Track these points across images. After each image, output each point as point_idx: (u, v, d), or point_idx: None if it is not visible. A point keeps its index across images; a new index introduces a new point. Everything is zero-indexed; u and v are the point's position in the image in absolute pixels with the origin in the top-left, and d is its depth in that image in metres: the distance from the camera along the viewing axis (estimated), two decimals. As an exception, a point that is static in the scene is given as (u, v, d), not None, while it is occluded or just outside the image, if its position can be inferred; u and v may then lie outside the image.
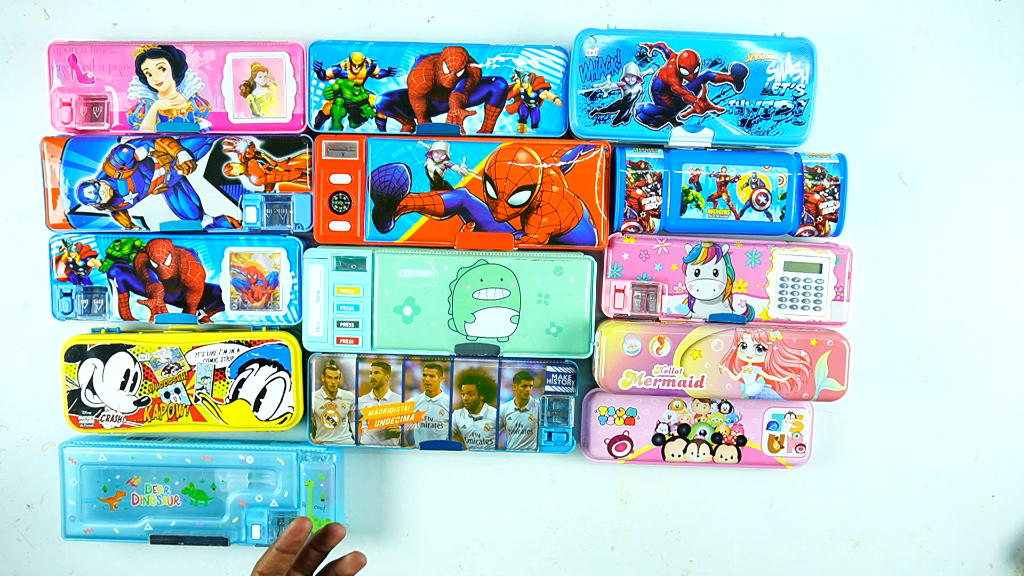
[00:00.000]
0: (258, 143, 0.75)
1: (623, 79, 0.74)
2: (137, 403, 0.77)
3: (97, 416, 0.77)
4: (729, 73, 0.75)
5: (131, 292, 0.76)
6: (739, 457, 0.80)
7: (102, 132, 0.75)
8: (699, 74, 0.74)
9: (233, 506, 0.77)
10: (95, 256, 0.76)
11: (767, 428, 0.79)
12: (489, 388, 0.78)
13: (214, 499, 0.76)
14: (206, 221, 0.76)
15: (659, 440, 0.79)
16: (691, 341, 0.76)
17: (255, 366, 0.77)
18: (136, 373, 0.76)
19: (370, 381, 0.77)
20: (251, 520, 0.76)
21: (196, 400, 0.77)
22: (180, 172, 0.75)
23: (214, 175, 0.75)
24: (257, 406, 0.77)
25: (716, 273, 0.77)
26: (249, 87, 0.75)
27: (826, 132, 0.79)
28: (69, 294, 0.76)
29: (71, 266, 0.76)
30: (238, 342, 0.76)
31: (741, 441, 0.79)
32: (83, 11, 0.78)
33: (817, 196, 0.76)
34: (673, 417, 0.79)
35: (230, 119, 0.75)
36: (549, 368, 0.78)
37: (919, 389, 0.83)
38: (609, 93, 0.74)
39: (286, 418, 0.77)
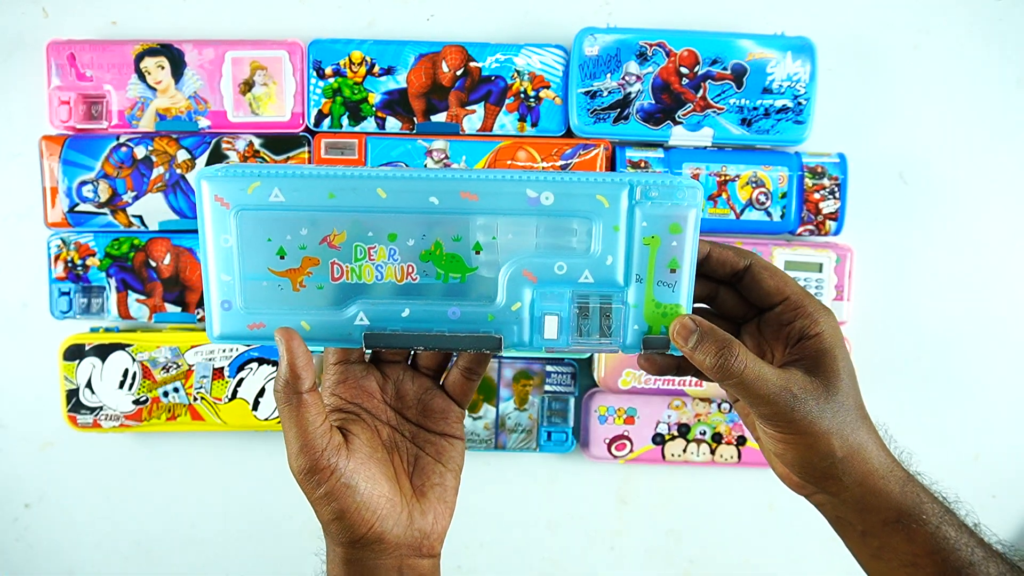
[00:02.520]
0: (257, 142, 0.75)
1: (623, 78, 0.74)
2: (136, 402, 0.77)
3: (96, 415, 0.77)
4: (729, 72, 0.74)
5: (130, 291, 0.76)
6: (739, 457, 0.79)
7: (101, 131, 0.75)
8: (699, 73, 0.74)
9: (513, 282, 0.42)
10: (94, 255, 0.76)
11: (767, 428, 0.79)
12: (488, 387, 0.78)
13: (476, 269, 0.42)
14: (205, 220, 0.76)
15: (659, 440, 0.79)
16: (691, 340, 0.76)
17: (254, 365, 0.76)
18: (135, 372, 0.76)
19: (370, 380, 0.76)
20: (543, 306, 0.42)
21: (195, 399, 0.77)
22: (179, 171, 0.75)
23: (213, 174, 0.75)
24: (256, 405, 0.77)
25: (716, 272, 0.76)
26: (248, 86, 0.75)
27: (826, 131, 0.79)
28: (67, 293, 0.76)
29: (69, 265, 0.76)
30: (237, 341, 0.76)
31: (741, 441, 0.79)
32: (82, 9, 0.78)
33: (817, 195, 0.76)
34: (673, 417, 0.79)
35: (229, 118, 0.75)
36: (549, 367, 0.78)
37: (919, 389, 0.83)
38: (609, 92, 0.74)
39: (285, 417, 0.77)
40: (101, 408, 0.77)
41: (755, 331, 0.45)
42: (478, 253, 0.41)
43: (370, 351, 0.43)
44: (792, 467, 0.44)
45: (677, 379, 0.76)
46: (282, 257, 0.41)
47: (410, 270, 0.42)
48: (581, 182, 0.41)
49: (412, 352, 0.46)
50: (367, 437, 0.42)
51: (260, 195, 0.40)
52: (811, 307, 0.42)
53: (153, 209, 0.75)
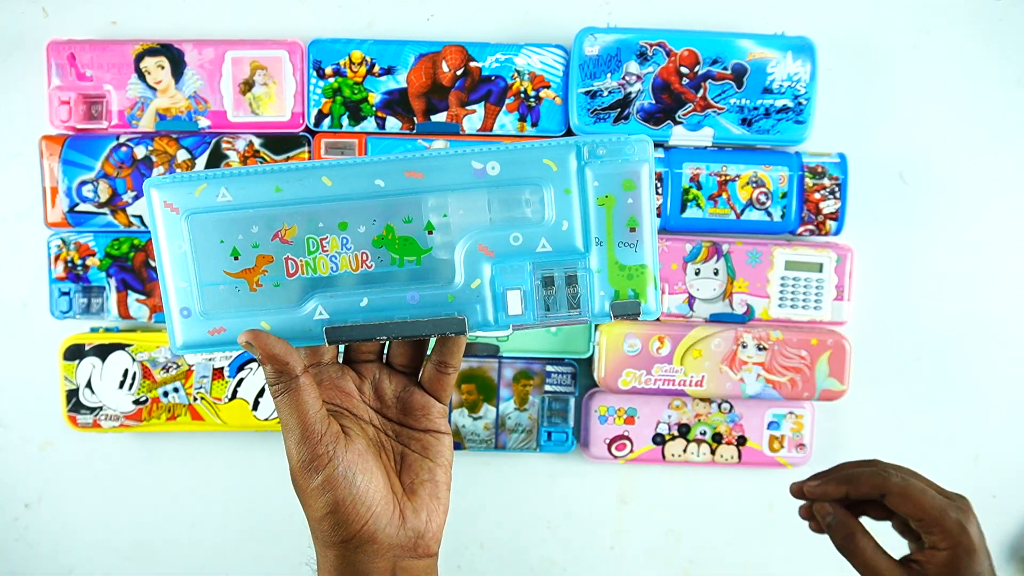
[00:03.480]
0: (257, 142, 0.75)
1: (623, 78, 0.74)
2: (136, 402, 0.77)
3: (95, 415, 0.77)
4: (730, 72, 0.74)
5: (130, 291, 0.76)
6: (739, 457, 0.79)
7: (101, 131, 0.75)
8: (699, 73, 0.74)
9: (470, 259, 0.41)
10: (93, 255, 0.76)
11: (767, 428, 0.79)
12: (488, 388, 0.78)
13: (431, 250, 0.40)
14: (205, 220, 0.76)
15: (659, 440, 0.79)
16: (691, 340, 0.76)
17: (254, 365, 0.76)
18: (135, 372, 0.76)
19: (369, 380, 0.76)
20: (503, 282, 0.40)
21: (195, 399, 0.77)
22: (179, 171, 0.75)
23: (213, 174, 0.75)
24: (256, 405, 0.77)
25: (716, 272, 0.76)
26: (248, 85, 0.75)
27: (827, 131, 0.78)
28: (67, 293, 0.76)
29: (69, 265, 0.76)
30: (237, 341, 0.76)
31: (741, 441, 0.79)
32: (82, 9, 0.78)
33: (818, 195, 0.76)
34: (673, 417, 0.79)
35: (229, 117, 0.75)
36: (549, 367, 0.78)
37: (920, 389, 0.83)
38: (609, 92, 0.74)
39: (285, 417, 0.77)
40: (101, 408, 0.77)
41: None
42: (431, 233, 0.40)
43: (341, 349, 0.43)
44: None
45: (677, 379, 0.76)
46: (236, 258, 0.40)
47: (364, 258, 0.40)
48: (526, 148, 0.39)
49: (385, 349, 0.45)
50: (359, 431, 0.41)
51: (208, 197, 0.40)
52: (946, 524, 0.49)
53: (153, 209, 0.75)
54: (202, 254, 0.40)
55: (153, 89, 0.75)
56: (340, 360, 0.44)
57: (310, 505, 0.39)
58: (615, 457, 0.79)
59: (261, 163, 0.75)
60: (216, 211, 0.40)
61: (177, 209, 0.40)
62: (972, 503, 0.52)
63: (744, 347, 0.76)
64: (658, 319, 0.76)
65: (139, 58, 0.74)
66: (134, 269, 0.76)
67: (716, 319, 0.77)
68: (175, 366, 0.76)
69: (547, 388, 0.78)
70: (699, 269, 0.76)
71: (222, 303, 0.41)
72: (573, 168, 0.39)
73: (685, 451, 0.79)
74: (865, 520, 0.55)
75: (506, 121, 0.75)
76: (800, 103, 0.75)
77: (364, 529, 0.39)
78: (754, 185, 0.76)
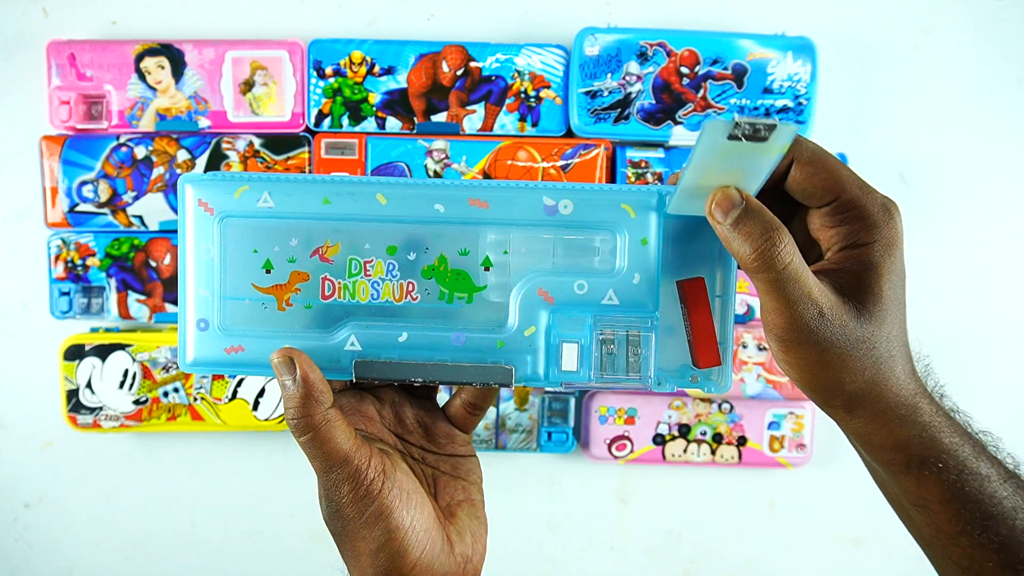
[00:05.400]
0: (257, 142, 0.75)
1: (623, 78, 0.74)
2: (136, 402, 0.77)
3: (96, 415, 0.77)
4: (730, 72, 0.74)
5: (130, 291, 0.76)
6: (739, 457, 0.79)
7: (101, 131, 0.75)
8: (700, 73, 0.74)
9: (527, 303, 0.37)
10: (94, 255, 0.76)
11: (768, 428, 0.79)
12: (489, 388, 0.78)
13: (485, 288, 0.37)
14: (205, 220, 0.76)
15: (659, 440, 0.79)
16: (691, 341, 0.76)
17: (254, 365, 0.76)
18: (135, 372, 0.76)
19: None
20: (561, 330, 0.37)
21: (195, 399, 0.77)
22: (179, 171, 0.75)
23: (213, 174, 0.75)
24: (256, 405, 0.77)
25: (716, 272, 0.76)
26: (248, 85, 0.75)
27: (827, 131, 0.78)
28: (68, 293, 0.76)
29: (70, 265, 0.76)
30: (237, 341, 0.76)
31: (741, 441, 0.79)
32: (82, 9, 0.77)
33: (818, 195, 0.76)
34: (673, 417, 0.79)
35: (229, 118, 0.75)
36: (549, 368, 0.78)
37: (920, 389, 0.83)
38: (609, 92, 0.74)
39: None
40: (101, 408, 0.77)
41: (796, 229, 0.38)
42: (487, 270, 0.36)
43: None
44: (797, 384, 0.37)
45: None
46: (268, 271, 0.37)
47: (410, 288, 0.36)
48: (605, 191, 0.36)
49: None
50: (396, 454, 0.37)
51: (248, 200, 0.36)
52: (869, 208, 0.35)
53: (153, 209, 0.75)
54: (231, 262, 0.37)
55: (153, 89, 0.75)
56: (353, 382, 0.41)
57: (363, 538, 0.35)
58: (615, 457, 0.79)
59: (261, 163, 0.75)
60: (255, 216, 0.36)
61: (212, 209, 0.37)
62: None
63: (744, 347, 0.76)
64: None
65: (139, 58, 0.74)
66: (134, 269, 0.76)
67: (716, 319, 0.77)
68: (175, 366, 0.76)
69: (547, 388, 0.78)
70: (699, 269, 0.76)
71: (245, 319, 0.37)
72: (653, 219, 0.36)
73: (685, 451, 0.79)
74: None
75: (506, 121, 0.75)
76: (800, 103, 0.75)
77: (422, 557, 0.35)
78: (754, 185, 0.76)
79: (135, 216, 0.75)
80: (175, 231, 0.76)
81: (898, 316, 0.35)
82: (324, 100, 0.74)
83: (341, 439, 0.34)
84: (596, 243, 0.36)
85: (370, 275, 0.37)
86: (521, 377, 0.37)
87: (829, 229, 0.36)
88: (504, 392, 0.77)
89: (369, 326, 0.37)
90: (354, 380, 0.37)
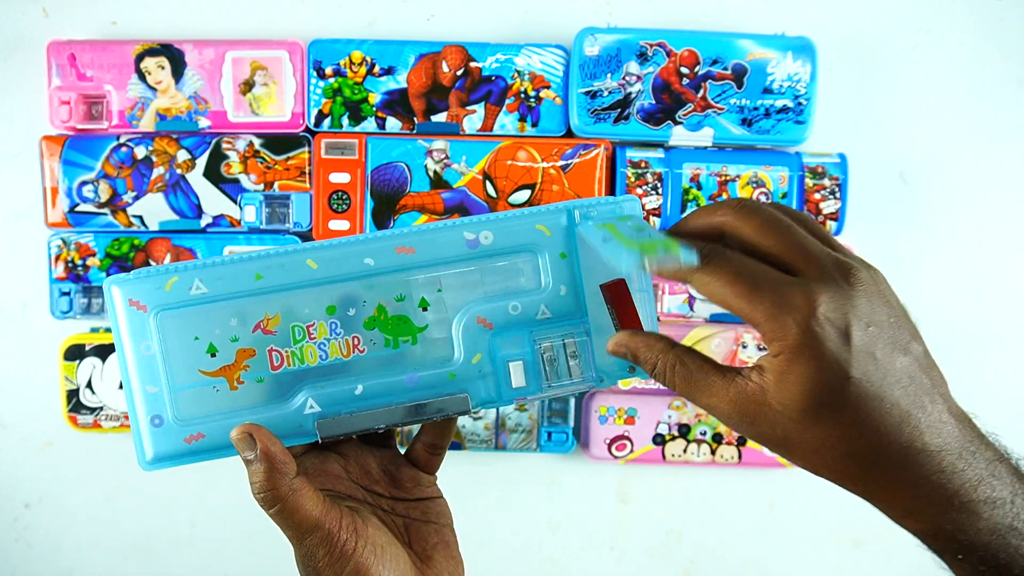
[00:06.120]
0: (257, 142, 0.75)
1: (623, 78, 0.74)
2: (136, 402, 0.77)
3: (96, 415, 0.77)
4: (730, 72, 0.74)
5: (130, 291, 0.76)
6: (740, 457, 0.79)
7: (101, 131, 0.75)
8: (699, 73, 0.74)
9: (469, 333, 0.39)
10: (94, 255, 0.76)
11: (767, 428, 0.79)
12: (489, 388, 0.78)
13: (426, 328, 0.39)
14: (205, 220, 0.76)
15: (659, 440, 0.79)
16: (691, 341, 0.76)
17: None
18: (135, 372, 0.76)
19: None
20: (505, 352, 0.39)
21: (195, 399, 0.77)
22: (179, 171, 0.75)
23: (213, 174, 0.75)
24: (256, 406, 0.77)
25: (716, 272, 0.76)
26: (248, 86, 0.75)
27: (827, 131, 0.78)
28: (68, 293, 0.76)
29: (70, 265, 0.76)
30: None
31: (742, 441, 0.79)
32: (82, 10, 0.78)
33: (818, 195, 0.76)
34: (673, 417, 0.79)
35: (229, 118, 0.75)
36: (549, 368, 0.78)
37: (920, 389, 0.83)
38: (609, 92, 0.74)
39: (285, 418, 0.77)
40: (101, 408, 0.77)
41: None
42: (425, 310, 0.38)
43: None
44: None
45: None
46: (213, 355, 0.37)
47: (356, 342, 0.37)
48: (519, 216, 0.38)
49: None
50: (365, 509, 0.38)
51: (179, 290, 0.36)
52: (759, 321, 0.32)
53: (153, 209, 0.75)
54: (174, 354, 0.37)
55: (153, 89, 0.75)
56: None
57: None
58: (615, 457, 0.79)
59: (261, 163, 0.75)
60: (190, 305, 0.36)
61: (144, 307, 0.36)
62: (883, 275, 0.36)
63: (744, 347, 0.76)
64: (658, 319, 0.77)
65: (139, 58, 0.74)
66: (134, 269, 0.76)
67: (716, 319, 0.77)
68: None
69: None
70: (699, 269, 0.76)
71: (199, 406, 0.37)
72: (565, 233, 0.38)
73: (685, 451, 0.79)
74: None
75: (506, 121, 0.75)
76: (800, 103, 0.75)
77: None
78: (754, 185, 0.76)
79: (135, 216, 0.75)
80: (175, 231, 0.76)
81: (853, 410, 0.31)
82: (324, 100, 0.74)
83: (309, 506, 0.35)
84: (519, 264, 0.38)
85: (315, 337, 0.37)
86: (477, 403, 0.38)
87: None
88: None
89: (324, 386, 0.38)
90: (320, 440, 0.37)
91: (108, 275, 0.75)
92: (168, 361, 0.37)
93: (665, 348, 0.35)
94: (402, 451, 0.43)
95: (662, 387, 0.77)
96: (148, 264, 0.76)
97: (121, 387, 0.76)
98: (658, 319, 0.77)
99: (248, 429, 0.35)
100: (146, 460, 0.37)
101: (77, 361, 0.76)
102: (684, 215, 0.36)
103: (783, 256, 0.32)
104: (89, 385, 0.76)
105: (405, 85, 0.75)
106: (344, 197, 0.75)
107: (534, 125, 0.75)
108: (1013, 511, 0.31)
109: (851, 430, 0.31)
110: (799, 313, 0.31)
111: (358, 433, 0.38)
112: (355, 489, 0.40)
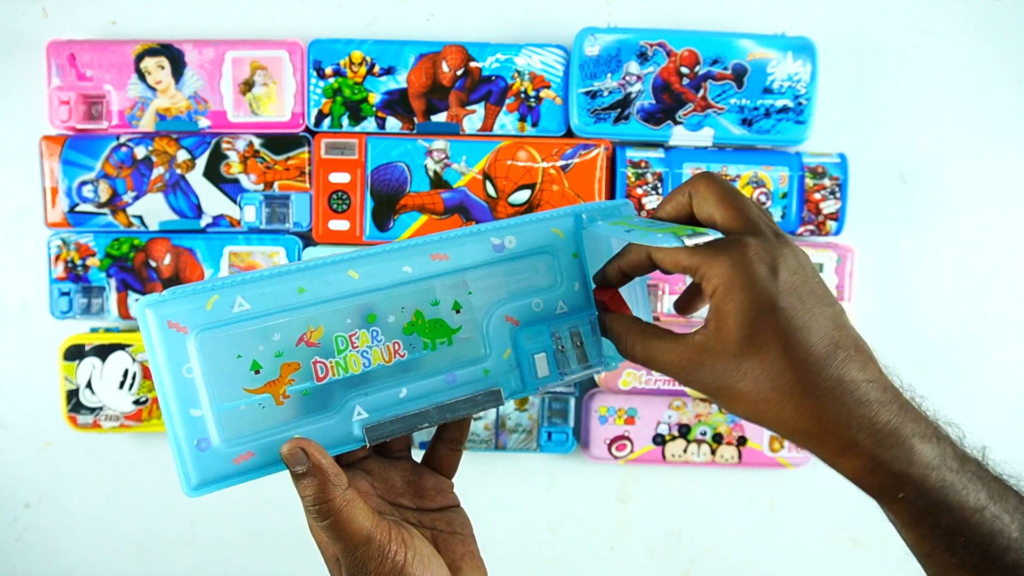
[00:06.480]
0: (257, 142, 0.75)
1: (623, 78, 0.74)
2: (136, 402, 0.77)
3: (96, 415, 0.77)
4: (730, 72, 0.74)
5: (130, 291, 0.76)
6: (739, 457, 0.79)
7: (101, 131, 0.75)
8: (700, 73, 0.74)
9: (498, 331, 0.41)
10: (94, 255, 0.76)
11: (767, 428, 0.79)
12: (489, 388, 0.78)
13: (460, 329, 0.41)
14: (205, 220, 0.76)
15: (659, 440, 0.79)
16: (691, 341, 0.76)
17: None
18: (135, 372, 0.76)
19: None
20: (529, 346, 0.42)
21: (195, 399, 0.77)
22: (179, 171, 0.75)
23: (213, 174, 0.75)
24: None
25: (716, 272, 0.76)
26: (248, 86, 0.75)
27: (827, 131, 0.78)
28: (68, 293, 0.76)
29: (69, 265, 0.76)
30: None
31: (741, 441, 0.79)
32: (82, 10, 0.77)
33: (818, 195, 0.76)
34: (673, 417, 0.79)
35: (229, 118, 0.75)
36: (549, 368, 0.78)
37: (920, 390, 0.82)
38: (609, 92, 0.74)
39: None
40: (101, 408, 0.77)
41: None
42: (458, 312, 0.40)
43: (371, 445, 0.39)
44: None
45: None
46: (257, 372, 0.36)
47: (397, 347, 0.39)
48: (536, 220, 0.42)
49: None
50: (410, 527, 0.39)
51: (222, 309, 0.36)
52: (697, 265, 0.35)
53: (153, 209, 0.75)
54: (216, 375, 0.36)
55: (153, 89, 0.75)
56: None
57: None
58: (615, 457, 0.79)
59: (261, 163, 0.75)
60: (233, 323, 0.36)
61: (185, 328, 0.35)
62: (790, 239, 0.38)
63: (744, 347, 0.76)
64: (658, 319, 0.77)
65: (139, 58, 0.74)
66: (134, 269, 0.76)
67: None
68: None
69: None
70: (699, 269, 0.76)
71: (246, 425, 0.36)
72: (575, 234, 0.42)
73: (685, 451, 0.79)
74: None
75: (506, 121, 0.75)
76: (800, 103, 0.75)
77: None
78: (754, 185, 0.76)
79: (135, 216, 0.75)
80: (175, 231, 0.76)
81: (786, 344, 0.33)
82: (324, 100, 0.74)
83: (362, 517, 0.35)
84: (537, 265, 0.42)
85: (357, 346, 0.38)
86: (509, 393, 0.41)
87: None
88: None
89: (369, 392, 0.38)
90: (368, 445, 0.38)
91: (108, 274, 0.75)
92: (211, 382, 0.36)
93: (630, 322, 0.40)
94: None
95: (662, 387, 0.77)
96: (148, 263, 0.76)
97: (121, 386, 0.76)
98: (657, 319, 0.77)
99: (299, 444, 0.35)
100: (191, 486, 0.36)
101: (77, 361, 0.76)
102: (660, 202, 0.40)
103: (732, 221, 0.36)
104: (89, 385, 0.76)
105: (405, 85, 0.75)
106: (344, 197, 0.75)
107: (534, 125, 0.75)
108: (941, 448, 0.34)
109: (782, 360, 0.33)
110: (733, 252, 0.34)
111: (403, 434, 0.39)
112: (383, 505, 0.40)
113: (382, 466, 0.42)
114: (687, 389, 0.77)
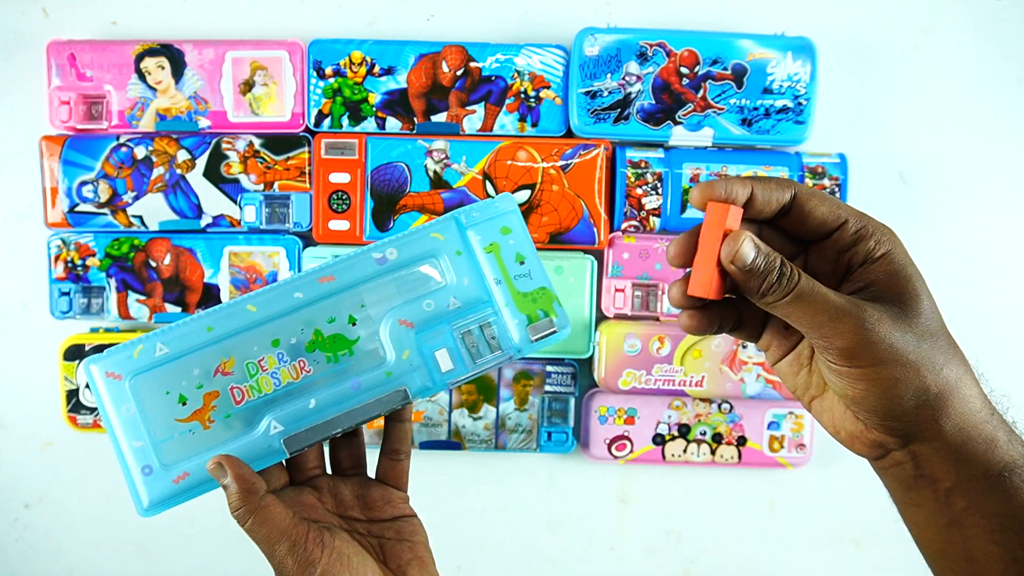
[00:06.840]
0: (257, 142, 0.75)
1: (623, 78, 0.74)
2: (136, 402, 0.77)
3: (96, 415, 0.77)
4: (730, 72, 0.74)
5: (130, 291, 0.76)
6: (739, 457, 0.79)
7: (101, 131, 0.75)
8: (699, 73, 0.74)
9: (395, 335, 0.44)
10: (94, 255, 0.76)
11: (767, 428, 0.79)
12: (488, 388, 0.78)
13: (359, 340, 0.44)
14: (205, 220, 0.76)
15: (659, 440, 0.79)
16: (691, 341, 0.76)
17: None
18: (135, 372, 0.76)
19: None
20: (430, 344, 0.45)
21: (195, 400, 0.77)
22: (179, 171, 0.75)
23: (213, 174, 0.75)
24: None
25: (716, 272, 0.76)
26: (248, 86, 0.75)
27: (827, 131, 0.78)
28: (68, 293, 0.76)
29: (69, 265, 0.76)
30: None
31: (741, 441, 0.79)
32: (82, 10, 0.78)
33: (818, 195, 0.76)
34: (673, 417, 0.79)
35: (229, 118, 0.75)
36: (549, 368, 0.78)
37: (920, 389, 0.83)
38: (609, 92, 0.74)
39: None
40: (101, 408, 0.77)
41: (805, 268, 0.39)
42: (354, 325, 0.44)
43: (289, 457, 0.44)
44: (874, 414, 0.36)
45: (677, 379, 0.76)
46: (184, 403, 0.43)
47: (302, 365, 0.43)
48: (415, 232, 0.45)
49: (326, 460, 0.48)
50: (336, 530, 0.43)
51: (146, 355, 0.42)
52: (872, 227, 0.37)
53: (153, 209, 0.75)
54: (151, 409, 0.43)
55: (153, 89, 0.75)
56: (288, 482, 0.46)
57: None
58: (615, 457, 0.79)
59: (261, 163, 0.75)
60: (158, 365, 0.43)
61: (120, 375, 0.42)
62: None
63: (744, 347, 0.76)
64: (658, 319, 0.77)
65: (139, 58, 0.74)
66: (134, 269, 0.76)
67: (716, 319, 0.77)
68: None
69: (547, 388, 0.78)
70: (699, 269, 0.76)
71: (180, 450, 0.43)
72: (457, 234, 0.45)
73: (685, 451, 0.79)
74: None
75: (506, 121, 0.75)
76: (800, 103, 0.75)
77: None
78: (754, 185, 0.76)
79: (135, 216, 0.75)
80: (175, 231, 0.76)
81: (939, 315, 0.39)
82: (324, 100, 0.74)
83: (278, 518, 0.40)
84: (424, 270, 0.44)
85: (267, 369, 0.43)
86: (415, 391, 0.44)
87: (844, 253, 0.38)
88: (504, 392, 0.78)
89: (282, 408, 0.43)
90: (288, 455, 0.42)
91: (108, 274, 0.75)
92: (147, 417, 0.42)
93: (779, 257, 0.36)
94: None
95: (661, 388, 0.77)
96: (148, 264, 0.76)
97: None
98: (657, 319, 0.77)
99: (218, 460, 0.40)
100: (143, 507, 0.43)
101: (77, 361, 0.76)
102: (706, 183, 0.38)
103: (854, 217, 0.38)
104: (89, 385, 0.76)
105: (405, 85, 0.75)
106: (344, 197, 0.75)
107: (534, 125, 0.75)
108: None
109: (937, 322, 0.40)
110: (898, 237, 0.39)
111: (321, 442, 0.43)
112: (330, 517, 0.44)
113: (332, 482, 0.46)
114: (687, 389, 0.77)
